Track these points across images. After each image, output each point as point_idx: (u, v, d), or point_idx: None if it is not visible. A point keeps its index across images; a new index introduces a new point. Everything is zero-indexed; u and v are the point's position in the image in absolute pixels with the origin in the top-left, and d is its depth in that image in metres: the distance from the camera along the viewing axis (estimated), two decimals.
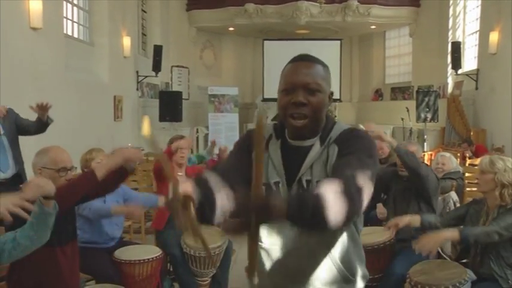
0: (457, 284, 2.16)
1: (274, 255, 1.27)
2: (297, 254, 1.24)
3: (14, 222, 1.73)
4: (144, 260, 2.57)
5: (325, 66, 1.27)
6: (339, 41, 11.81)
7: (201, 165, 4.52)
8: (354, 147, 1.20)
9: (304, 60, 1.26)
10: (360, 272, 1.31)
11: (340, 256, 1.25)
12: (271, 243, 1.27)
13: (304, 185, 1.23)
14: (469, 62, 9.10)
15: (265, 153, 1.26)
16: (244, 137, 1.38)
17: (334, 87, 12.11)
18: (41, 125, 3.62)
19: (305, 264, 1.24)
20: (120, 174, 2.19)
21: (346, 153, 1.20)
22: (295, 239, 1.23)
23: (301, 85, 1.21)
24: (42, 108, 3.54)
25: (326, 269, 1.24)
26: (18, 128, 3.52)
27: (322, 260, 1.24)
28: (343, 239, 1.26)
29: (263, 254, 1.28)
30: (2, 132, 3.31)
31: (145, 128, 1.07)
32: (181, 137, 3.52)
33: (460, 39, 9.28)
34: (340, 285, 1.27)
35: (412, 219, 2.53)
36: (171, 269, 3.09)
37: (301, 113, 1.21)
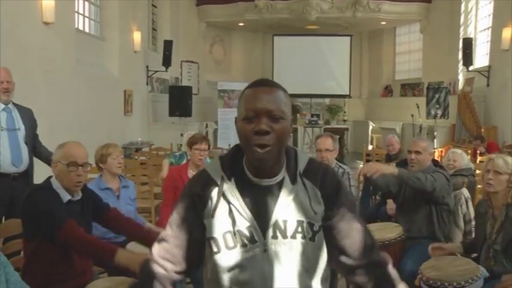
0: (470, 281, 2.14)
1: None
2: None
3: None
4: None
5: (285, 91, 1.20)
6: (349, 37, 11.77)
7: None
8: (340, 201, 1.23)
9: (264, 85, 1.17)
10: None
11: (316, 282, 1.21)
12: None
13: (281, 225, 1.16)
14: (481, 58, 9.02)
15: (224, 202, 1.17)
16: (195, 186, 1.23)
17: (344, 83, 12.24)
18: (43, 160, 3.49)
19: None
20: (141, 241, 2.23)
21: (336, 211, 1.22)
22: (275, 280, 1.17)
23: (265, 112, 1.13)
24: None
25: None
26: (34, 139, 3.46)
27: None
28: (322, 271, 1.23)
29: None
30: (17, 127, 3.29)
31: None
32: (203, 138, 3.47)
33: (472, 36, 9.18)
34: None
35: (454, 248, 2.59)
36: None
37: (265, 143, 1.12)
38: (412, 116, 9.10)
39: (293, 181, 1.19)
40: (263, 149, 1.12)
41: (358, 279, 1.25)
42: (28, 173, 3.33)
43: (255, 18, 10.97)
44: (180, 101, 8.70)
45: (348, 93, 11.84)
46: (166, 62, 8.90)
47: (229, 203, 1.17)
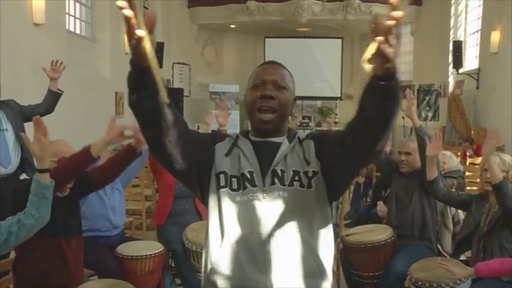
0: (458, 281, 2.16)
1: (250, 245, 1.21)
2: (275, 244, 1.21)
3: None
4: (146, 255, 2.57)
5: (290, 72, 1.38)
6: (340, 39, 11.81)
7: None
8: (326, 133, 1.33)
9: (275, 63, 1.37)
10: (329, 274, 1.26)
11: (319, 249, 1.24)
12: (250, 232, 1.22)
13: (279, 173, 1.26)
14: (470, 61, 9.09)
15: (236, 149, 1.31)
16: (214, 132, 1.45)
17: (335, 85, 12.22)
18: (51, 100, 3.44)
19: (288, 255, 1.21)
20: (127, 155, 2.18)
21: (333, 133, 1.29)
22: (275, 226, 1.21)
23: (270, 81, 1.30)
24: (56, 70, 3.34)
25: (305, 262, 1.21)
26: (25, 117, 3.36)
27: (301, 251, 1.21)
28: (323, 232, 1.26)
29: (239, 244, 1.22)
30: (4, 127, 3.22)
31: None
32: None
33: (462, 39, 9.25)
34: (316, 281, 1.23)
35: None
36: (173, 265, 3.09)
37: (269, 106, 1.28)
38: (403, 118, 8.96)
39: (290, 142, 1.31)
40: (266, 115, 1.27)
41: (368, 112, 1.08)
42: (18, 174, 3.27)
43: (247, 20, 10.97)
44: (171, 103, 8.63)
45: (339, 96, 11.88)
46: (158, 63, 8.82)
47: (240, 149, 1.30)
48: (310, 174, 1.25)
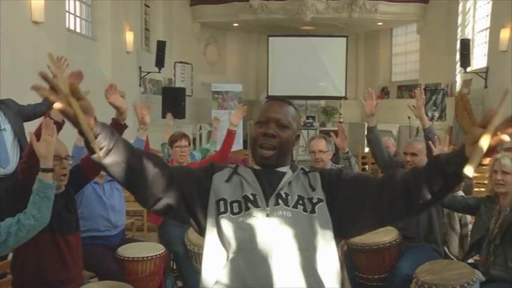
0: (465, 285, 2.12)
1: (252, 260, 1.22)
2: (276, 260, 1.22)
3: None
4: (147, 257, 2.56)
5: (296, 109, 1.45)
6: (344, 38, 11.67)
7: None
8: (341, 173, 1.38)
9: (279, 100, 1.43)
10: (334, 283, 1.29)
11: (320, 266, 1.25)
12: (251, 248, 1.23)
13: (283, 196, 1.29)
14: (478, 59, 8.95)
15: (237, 176, 1.35)
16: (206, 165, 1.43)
17: (340, 85, 12.12)
18: (46, 101, 3.32)
19: (284, 271, 1.22)
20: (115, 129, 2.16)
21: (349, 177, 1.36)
22: (277, 244, 1.23)
23: (274, 120, 1.36)
24: (59, 67, 3.29)
25: (305, 279, 1.22)
26: (24, 116, 3.36)
27: (301, 268, 1.23)
28: (325, 251, 1.27)
29: (241, 261, 1.23)
30: (2, 127, 3.17)
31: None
32: (183, 135, 3.49)
33: (469, 37, 9.12)
34: None
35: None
36: (174, 267, 3.07)
37: (270, 144, 1.34)
38: (409, 118, 8.97)
39: (294, 171, 1.37)
40: (266, 152, 1.33)
41: (417, 187, 1.20)
42: (16, 174, 3.21)
43: (250, 19, 10.87)
44: (173, 102, 8.58)
45: (343, 95, 11.73)
46: (160, 63, 8.78)
47: (241, 176, 1.34)
48: (314, 201, 1.29)
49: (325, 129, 11.19)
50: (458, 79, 9.58)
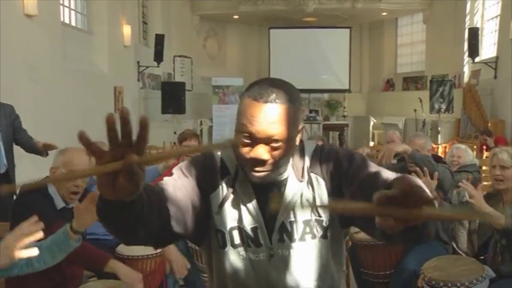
0: (474, 281, 2.07)
1: None
2: None
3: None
4: (147, 255, 2.51)
5: (293, 98, 1.05)
6: (348, 29, 11.54)
7: None
8: (352, 170, 1.09)
9: (267, 101, 1.02)
10: None
11: (327, 286, 1.16)
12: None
13: (288, 227, 1.10)
14: (488, 49, 8.75)
15: (235, 194, 1.11)
16: (201, 167, 1.15)
17: (343, 77, 12.00)
18: (33, 152, 3.48)
19: None
20: None
21: (354, 181, 1.06)
22: (285, 286, 1.11)
23: (262, 137, 1.02)
24: (47, 147, 3.40)
25: None
26: (15, 133, 3.40)
27: None
28: (336, 274, 1.17)
29: None
30: None
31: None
32: (194, 135, 3.40)
33: (478, 25, 8.92)
34: None
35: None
36: None
37: (262, 169, 1.05)
38: (415, 110, 8.97)
39: (300, 178, 1.12)
40: (259, 174, 1.05)
41: None
42: (9, 174, 3.29)
43: (250, 11, 10.73)
44: (173, 97, 8.46)
45: (347, 88, 11.61)
46: (158, 57, 8.64)
47: (240, 196, 1.10)
48: (325, 224, 1.11)
49: (329, 123, 11.04)
50: (466, 70, 9.42)
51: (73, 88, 6.09)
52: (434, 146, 6.66)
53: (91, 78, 6.81)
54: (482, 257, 2.46)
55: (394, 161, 3.09)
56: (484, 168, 4.33)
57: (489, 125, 7.48)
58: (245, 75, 11.46)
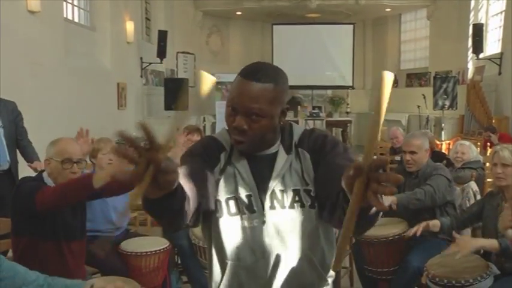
0: (479, 278, 2.07)
1: (254, 272, 1.23)
2: (277, 265, 1.22)
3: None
4: (151, 251, 2.53)
5: (278, 80, 1.19)
6: (351, 25, 11.49)
7: None
8: (332, 151, 1.20)
9: (254, 79, 1.16)
10: (330, 271, 1.30)
11: (322, 261, 1.25)
12: (252, 261, 1.22)
13: (278, 195, 1.20)
14: (492, 45, 8.69)
15: (231, 167, 1.23)
16: (207, 147, 1.27)
17: (347, 74, 11.96)
18: (26, 160, 3.40)
19: (291, 276, 1.22)
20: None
21: (331, 160, 1.17)
22: (277, 251, 1.21)
23: (244, 110, 1.16)
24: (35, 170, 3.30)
25: (306, 276, 1.24)
26: (16, 133, 3.37)
27: (303, 268, 1.23)
28: (327, 244, 1.26)
29: (243, 274, 1.23)
30: (0, 124, 3.21)
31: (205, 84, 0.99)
32: (197, 130, 3.38)
33: (483, 21, 8.83)
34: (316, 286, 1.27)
35: (432, 225, 2.47)
36: (179, 261, 3.04)
37: (240, 139, 1.18)
38: (419, 107, 8.95)
39: (288, 151, 1.23)
40: (238, 144, 1.19)
41: None
42: (12, 170, 3.27)
43: (253, 7, 10.68)
44: (175, 94, 8.41)
45: (351, 84, 11.59)
46: (161, 53, 8.61)
47: (235, 167, 1.22)
48: (313, 194, 1.20)
49: (332, 119, 11.00)
50: (470, 66, 9.34)
51: (76, 84, 6.09)
52: (437, 142, 6.64)
53: (94, 75, 6.80)
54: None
55: None
56: (488, 164, 4.30)
57: (493, 121, 7.42)
58: None
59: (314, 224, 1.21)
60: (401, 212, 2.68)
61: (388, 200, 2.48)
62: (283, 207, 1.20)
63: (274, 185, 1.20)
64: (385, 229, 2.58)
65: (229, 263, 1.23)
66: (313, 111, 10.89)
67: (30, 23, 5.06)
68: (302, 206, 1.20)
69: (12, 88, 4.07)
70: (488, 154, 5.17)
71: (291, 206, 1.20)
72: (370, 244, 2.60)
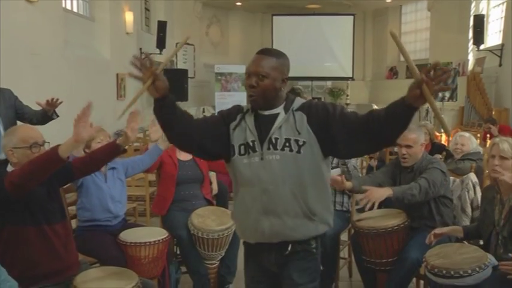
0: (477, 269, 2.05)
1: (253, 195, 1.64)
2: (270, 193, 1.62)
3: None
4: (150, 242, 2.52)
5: (280, 57, 1.65)
6: (351, 16, 11.49)
7: None
8: (328, 111, 1.61)
9: (262, 53, 1.66)
10: (321, 215, 1.67)
11: (308, 197, 1.63)
12: (252, 186, 1.64)
13: (274, 141, 1.62)
14: (493, 36, 8.64)
15: (243, 122, 1.68)
16: (230, 110, 1.74)
17: (346, 65, 11.93)
18: (45, 119, 3.44)
19: (278, 202, 1.62)
20: (110, 152, 2.24)
21: (332, 117, 1.59)
22: (270, 181, 1.62)
23: (253, 73, 1.62)
24: (51, 104, 3.36)
25: (293, 207, 1.63)
26: (17, 114, 3.34)
27: (290, 199, 1.62)
28: (313, 184, 1.64)
29: (246, 195, 1.67)
30: None
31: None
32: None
33: (484, 12, 8.78)
34: (302, 221, 1.65)
35: (454, 231, 2.47)
36: (178, 252, 3.03)
37: (253, 93, 1.62)
38: None
39: (286, 112, 1.65)
40: (251, 98, 1.64)
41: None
42: (8, 160, 3.18)
43: None
44: (175, 85, 8.27)
45: (350, 76, 11.61)
46: (161, 44, 8.59)
47: (246, 122, 1.68)
48: (300, 143, 1.60)
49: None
50: (471, 57, 9.31)
51: (75, 75, 6.06)
52: (437, 134, 6.63)
53: (93, 65, 6.77)
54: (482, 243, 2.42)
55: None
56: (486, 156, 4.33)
57: (493, 113, 7.39)
58: (248, 62, 11.31)
59: (299, 166, 1.61)
60: (397, 204, 2.68)
61: (384, 194, 2.50)
62: (275, 149, 1.61)
63: (272, 134, 1.63)
64: (384, 220, 2.59)
65: (240, 189, 1.69)
66: None
67: (29, 13, 5.03)
68: (290, 150, 1.60)
69: (11, 78, 4.06)
70: (487, 146, 5.18)
71: (282, 149, 1.61)
72: (369, 235, 2.59)
